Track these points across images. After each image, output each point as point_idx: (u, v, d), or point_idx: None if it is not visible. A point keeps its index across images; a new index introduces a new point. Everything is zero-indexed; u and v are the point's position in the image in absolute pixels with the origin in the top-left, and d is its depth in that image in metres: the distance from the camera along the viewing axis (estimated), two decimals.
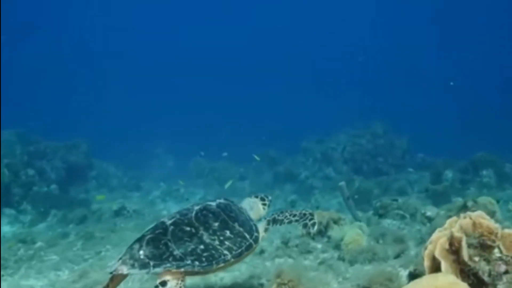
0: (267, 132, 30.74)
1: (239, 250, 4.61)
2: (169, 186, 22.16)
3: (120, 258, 4.37)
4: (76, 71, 47.23)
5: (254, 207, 5.50)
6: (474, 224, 3.55)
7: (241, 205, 5.37)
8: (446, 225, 3.73)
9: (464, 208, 7.13)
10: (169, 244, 4.39)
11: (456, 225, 3.57)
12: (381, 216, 12.22)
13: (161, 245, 4.37)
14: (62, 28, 51.76)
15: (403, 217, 11.35)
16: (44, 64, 46.81)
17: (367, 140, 23.24)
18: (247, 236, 4.77)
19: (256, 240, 4.86)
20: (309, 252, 7.93)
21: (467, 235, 3.54)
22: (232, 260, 4.54)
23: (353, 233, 7.42)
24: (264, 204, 5.57)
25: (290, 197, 19.00)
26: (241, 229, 4.79)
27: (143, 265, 4.24)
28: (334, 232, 8.44)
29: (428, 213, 7.99)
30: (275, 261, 7.64)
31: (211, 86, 45.92)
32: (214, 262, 4.43)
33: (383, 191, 20.04)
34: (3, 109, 33.60)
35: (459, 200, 7.42)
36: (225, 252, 4.53)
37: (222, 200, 5.12)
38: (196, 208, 4.84)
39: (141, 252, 4.32)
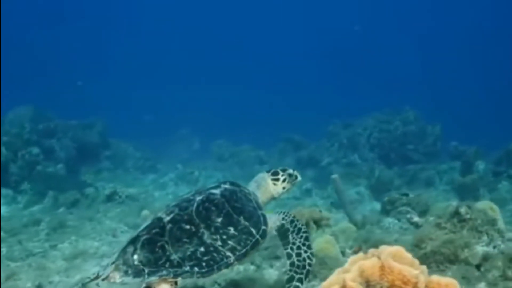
0: (295, 115, 29.76)
1: (244, 250, 4.13)
2: (184, 169, 21.23)
3: (113, 263, 3.92)
4: (110, 53, 46.89)
5: (261, 185, 4.80)
6: (382, 268, 2.32)
7: (248, 186, 4.73)
8: (347, 265, 2.51)
9: (456, 215, 5.82)
10: (166, 247, 3.94)
11: (353, 269, 2.35)
12: (387, 212, 11.04)
13: (157, 248, 3.93)
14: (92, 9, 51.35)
15: None
16: (76, 45, 46.50)
17: (396, 126, 21.67)
18: (253, 231, 4.25)
19: (263, 234, 4.32)
20: (277, 258, 6.78)
21: (369, 284, 2.32)
22: (236, 263, 4.09)
23: (322, 240, 6.19)
24: (276, 180, 4.80)
25: (305, 185, 17.65)
26: (247, 223, 4.26)
27: (137, 273, 3.81)
28: (313, 235, 7.26)
29: (415, 219, 6.70)
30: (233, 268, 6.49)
31: (239, 71, 45.31)
32: (215, 267, 3.96)
33: (408, 182, 18.77)
34: (24, 85, 33.77)
35: (451, 205, 6.08)
36: (228, 254, 4.06)
37: (227, 186, 4.53)
38: (198, 198, 4.29)
39: (136, 257, 3.88)
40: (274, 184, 4.78)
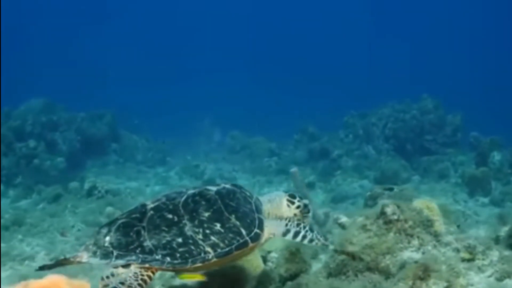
0: (313, 106, 29.08)
1: (227, 249, 3.82)
2: (190, 162, 20.68)
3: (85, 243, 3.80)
4: (125, 45, 46.96)
5: (274, 200, 4.53)
6: None
7: (260, 196, 4.50)
8: None
9: (382, 215, 5.04)
10: (142, 232, 3.73)
11: None
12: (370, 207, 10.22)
13: (132, 232, 3.73)
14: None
15: None
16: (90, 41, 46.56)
17: (412, 116, 20.57)
18: (243, 232, 3.95)
19: (255, 237, 4.00)
20: None
21: None
22: (215, 260, 3.76)
23: None
24: (291, 202, 4.53)
25: (308, 178, 16.79)
26: (237, 222, 3.97)
27: (105, 255, 3.63)
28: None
29: (342, 219, 5.91)
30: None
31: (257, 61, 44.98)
32: (190, 260, 3.69)
33: (421, 174, 17.89)
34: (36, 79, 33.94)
35: (382, 204, 5.27)
36: (207, 249, 3.76)
37: (227, 185, 4.29)
38: (190, 192, 4.07)
39: (107, 238, 3.71)
40: (288, 206, 4.51)
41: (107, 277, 3.55)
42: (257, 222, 4.10)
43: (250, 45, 48.11)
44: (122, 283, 3.47)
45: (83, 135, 20.15)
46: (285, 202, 4.51)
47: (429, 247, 4.99)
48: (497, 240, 6.42)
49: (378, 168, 17.24)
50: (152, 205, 3.93)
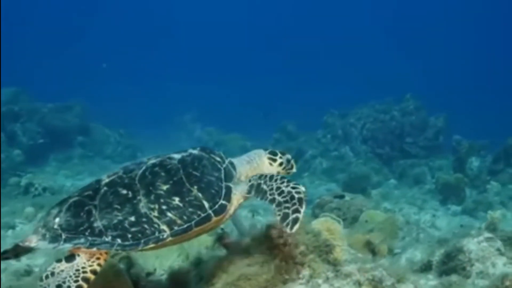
0: (295, 104, 28.31)
1: (185, 226, 3.41)
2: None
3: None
4: (115, 40, 46.35)
5: (254, 160, 4.07)
6: None
7: (237, 159, 4.00)
8: None
9: (267, 238, 4.11)
10: (93, 212, 3.40)
11: None
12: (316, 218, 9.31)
13: (83, 212, 3.40)
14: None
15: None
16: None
17: (392, 117, 19.64)
18: (206, 205, 3.51)
19: (220, 210, 3.55)
20: None
21: None
22: (170, 239, 3.37)
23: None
24: (273, 160, 4.10)
25: None
26: (199, 194, 3.53)
27: (54, 238, 3.34)
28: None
29: (230, 240, 5.01)
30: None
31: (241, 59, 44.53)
32: (142, 241, 3.34)
33: (397, 178, 17.02)
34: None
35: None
36: (163, 227, 3.38)
37: (195, 151, 3.81)
38: (150, 162, 3.64)
39: (57, 220, 3.40)
40: (270, 164, 4.09)
41: (46, 276, 3.21)
42: (223, 192, 3.63)
43: (236, 42, 47.88)
44: (60, 286, 3.16)
45: (46, 127, 19.22)
46: (266, 161, 4.09)
47: (320, 280, 4.06)
48: (429, 266, 5.59)
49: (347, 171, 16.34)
50: (107, 180, 3.55)
